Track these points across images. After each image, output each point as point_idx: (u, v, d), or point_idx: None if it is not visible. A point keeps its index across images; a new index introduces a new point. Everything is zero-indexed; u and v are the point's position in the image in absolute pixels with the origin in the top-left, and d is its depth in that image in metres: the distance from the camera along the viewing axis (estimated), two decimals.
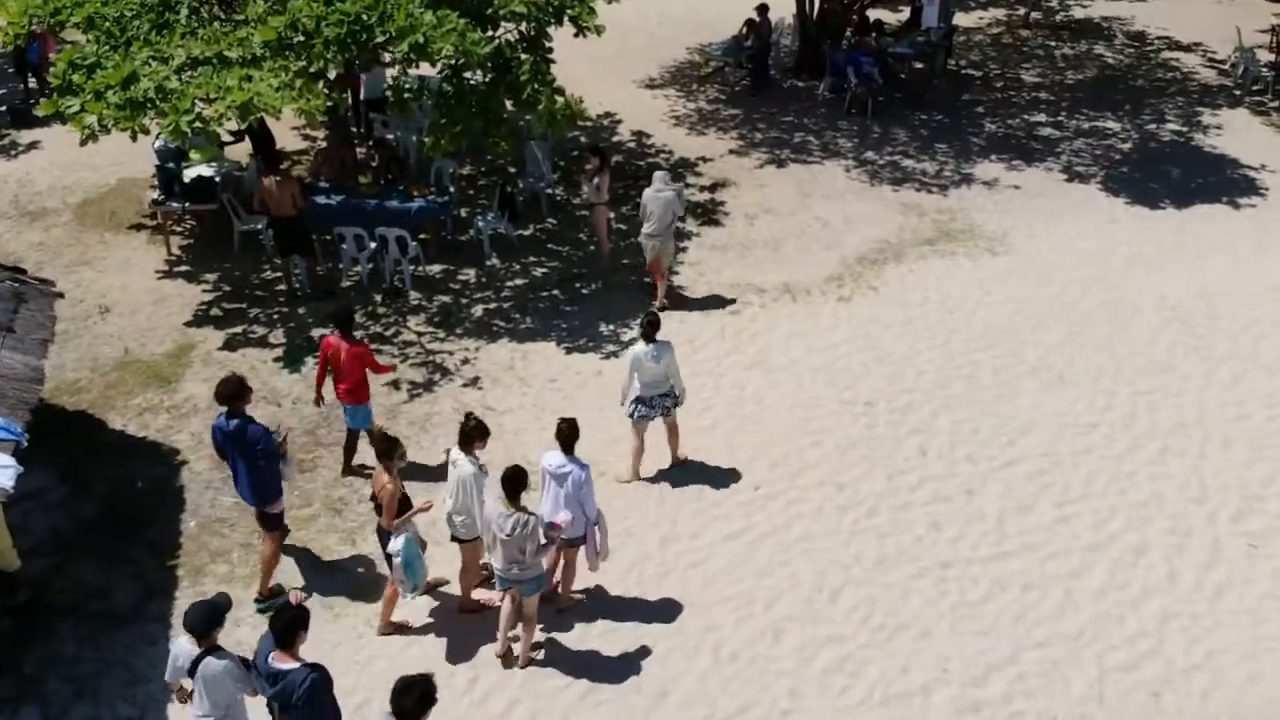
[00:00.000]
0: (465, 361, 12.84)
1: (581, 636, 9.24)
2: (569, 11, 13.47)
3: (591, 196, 14.49)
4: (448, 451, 9.24)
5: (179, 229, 15.61)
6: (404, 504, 8.96)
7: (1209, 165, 18.37)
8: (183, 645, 7.31)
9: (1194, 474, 11.17)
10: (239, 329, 13.39)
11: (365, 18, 11.69)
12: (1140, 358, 13.02)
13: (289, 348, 13.01)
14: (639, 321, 10.92)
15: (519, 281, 14.59)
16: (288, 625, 7.00)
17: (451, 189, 15.70)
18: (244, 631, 9.08)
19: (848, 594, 9.63)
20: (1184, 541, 10.32)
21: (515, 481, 8.37)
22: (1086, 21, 25.56)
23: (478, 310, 13.87)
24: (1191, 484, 11.03)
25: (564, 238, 15.67)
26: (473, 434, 8.99)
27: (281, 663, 6.95)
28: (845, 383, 12.57)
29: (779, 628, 9.28)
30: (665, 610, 9.47)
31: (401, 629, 9.32)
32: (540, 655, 9.07)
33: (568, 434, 8.98)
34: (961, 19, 24.34)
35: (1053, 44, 24.11)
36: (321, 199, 14.57)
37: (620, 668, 8.93)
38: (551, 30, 13.83)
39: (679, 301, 14.11)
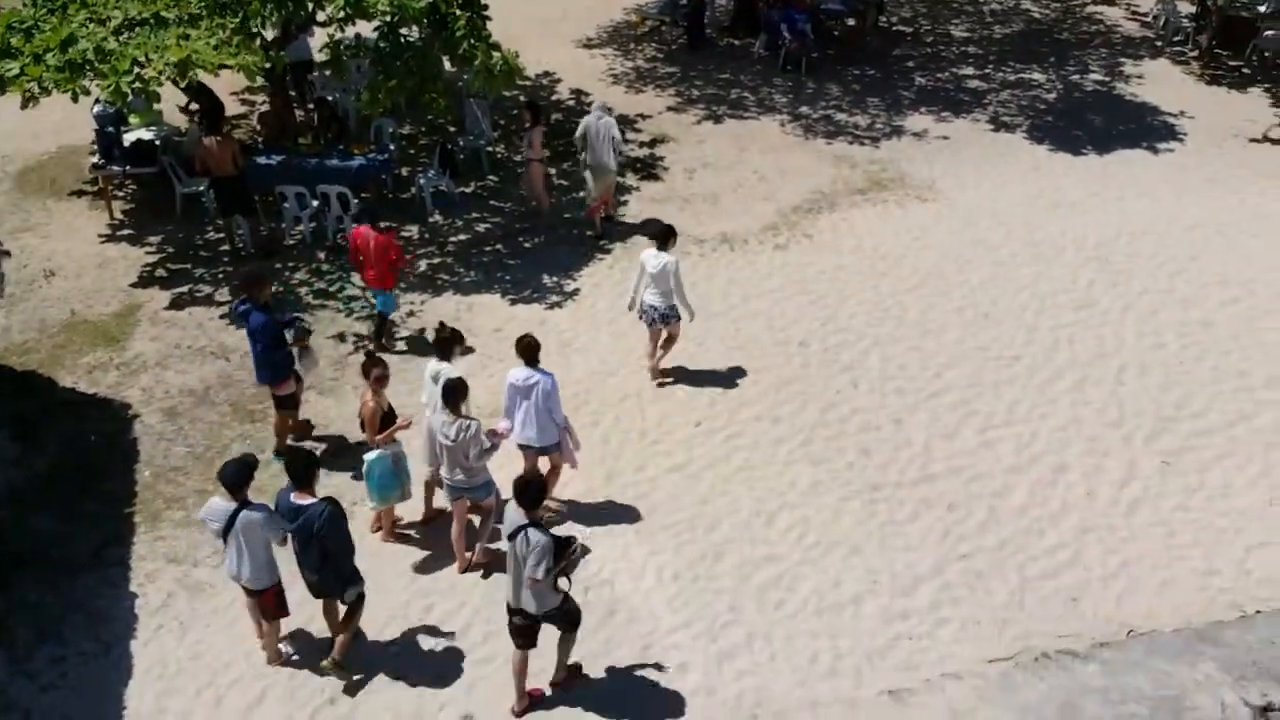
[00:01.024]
0: (411, 314, 13.11)
1: None
2: None
3: (526, 152, 14.80)
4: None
5: (120, 193, 15.69)
6: (388, 421, 9.41)
7: (1130, 113, 19.01)
8: (216, 503, 8.11)
9: (1112, 399, 11.76)
10: (185, 288, 13.54)
11: None
12: (1062, 294, 13.59)
13: (226, 305, 13.20)
14: (653, 232, 11.67)
15: (462, 237, 14.85)
16: (305, 467, 7.98)
17: (391, 147, 15.90)
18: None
19: (783, 517, 10.10)
20: (1101, 462, 10.90)
21: (455, 391, 8.80)
22: None
23: (421, 265, 14.12)
24: (1109, 409, 11.62)
25: (506, 194, 15.93)
26: (451, 341, 9.66)
27: (301, 499, 7.92)
28: (781, 325, 13.02)
29: (719, 550, 9.74)
30: (611, 538, 9.88)
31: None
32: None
33: (531, 346, 9.43)
34: None
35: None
36: (262, 159, 14.72)
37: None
38: None
39: (620, 254, 14.50)
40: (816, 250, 14.69)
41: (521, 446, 9.69)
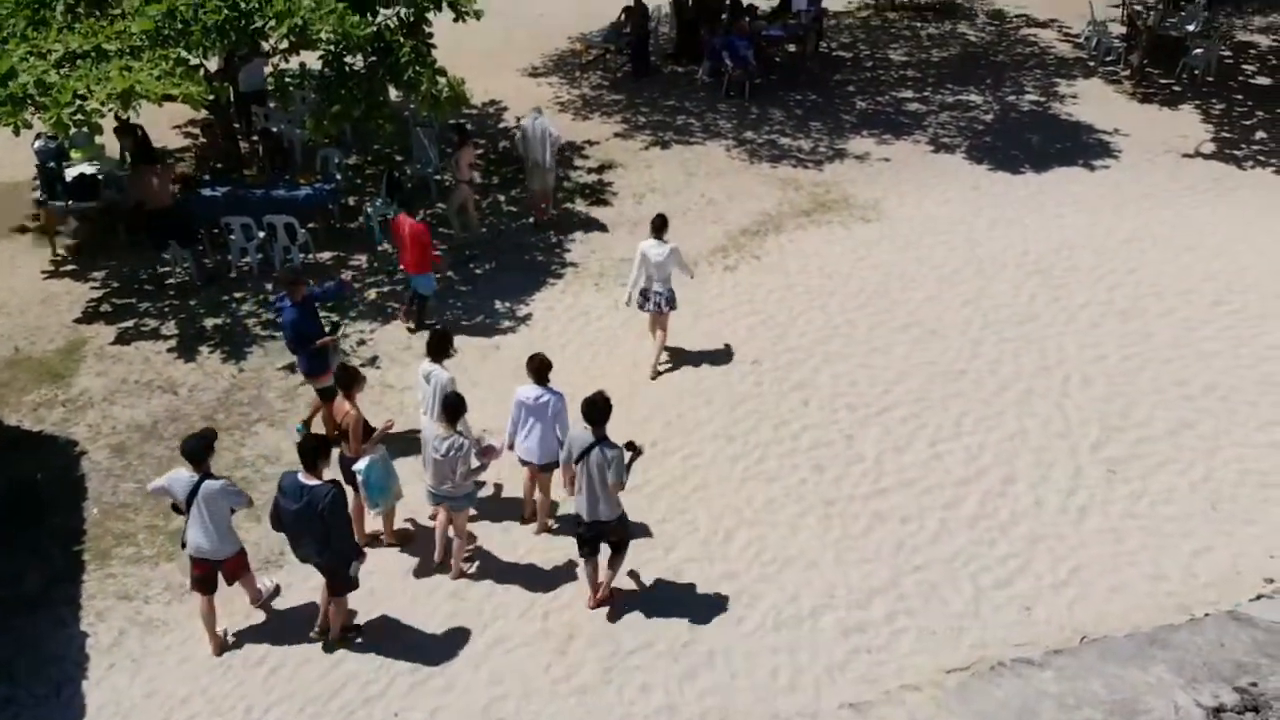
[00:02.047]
0: (361, 343, 13.04)
1: (489, 590, 9.60)
2: None
3: (454, 174, 14.94)
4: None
5: (63, 229, 15.47)
6: (365, 430, 9.52)
7: (1066, 132, 19.45)
8: (180, 474, 8.55)
9: (1057, 410, 11.98)
10: (130, 323, 13.38)
11: (244, 4, 11.82)
12: (1005, 309, 13.85)
13: (182, 337, 13.06)
14: (651, 222, 12.32)
15: None
16: (313, 450, 8.29)
17: (338, 176, 15.86)
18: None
19: (741, 534, 10.17)
20: (1048, 472, 11.08)
21: (455, 406, 8.96)
22: (950, 2, 26.68)
23: (371, 294, 14.06)
24: (1055, 420, 11.83)
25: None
26: (443, 342, 9.89)
27: (308, 480, 8.24)
28: (733, 345, 13.13)
29: (678, 569, 9.78)
30: (569, 561, 9.86)
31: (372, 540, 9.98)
32: (472, 568, 9.78)
33: (543, 365, 9.59)
34: (831, 3, 25.22)
35: (918, 24, 25.16)
36: (207, 191, 14.62)
37: (528, 615, 9.33)
38: (434, 19, 14.11)
39: (571, 280, 14.58)
40: (765, 271, 14.85)
41: (523, 461, 9.87)
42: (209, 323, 13.34)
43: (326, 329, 11.03)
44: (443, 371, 9.79)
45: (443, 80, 12.84)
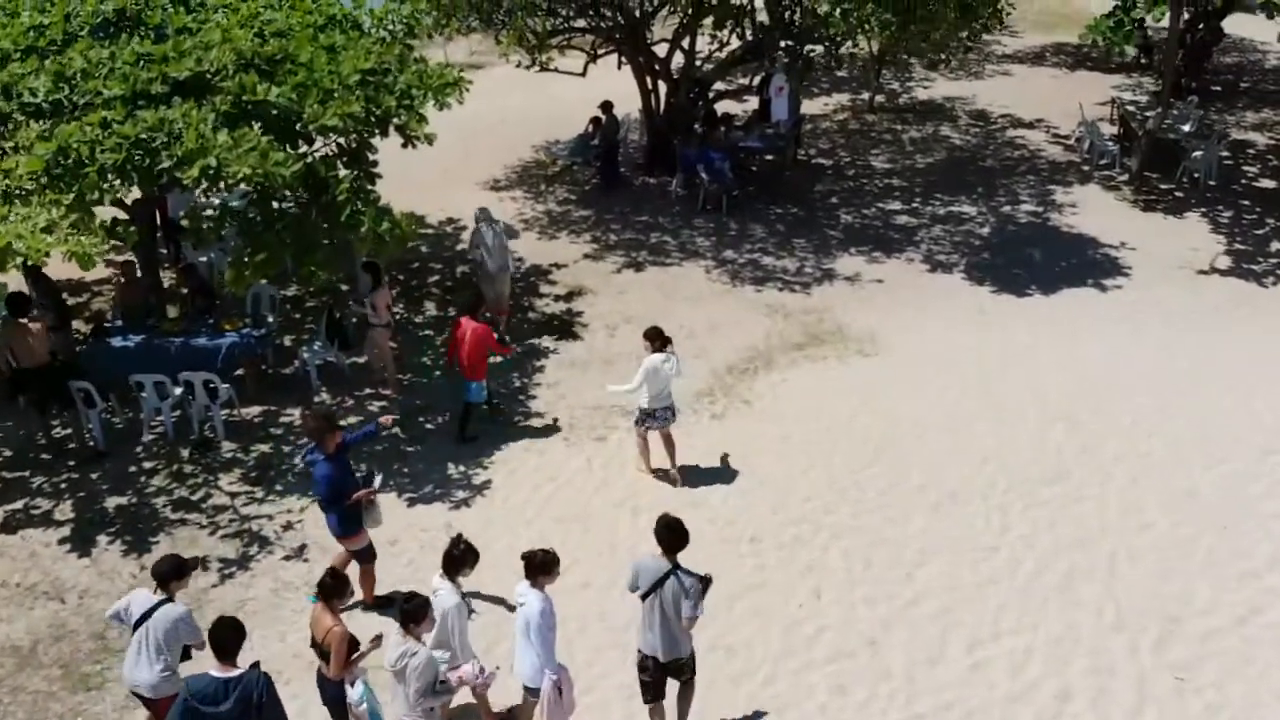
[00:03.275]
0: (288, 527, 11.07)
1: None
2: (395, 121, 12.09)
3: (370, 317, 13.16)
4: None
5: None
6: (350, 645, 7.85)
7: (1070, 246, 18.04)
8: (140, 594, 7.95)
9: (1107, 597, 10.23)
10: (19, 505, 11.40)
11: (149, 140, 10.07)
12: (1032, 465, 12.16)
13: (79, 524, 11.08)
14: (645, 334, 11.63)
15: (353, 419, 12.92)
16: (233, 637, 7.17)
17: (270, 319, 14.06)
18: None
19: None
20: (1108, 683, 9.29)
21: (412, 611, 7.49)
22: (930, 103, 25.50)
23: (297, 462, 12.11)
24: (1106, 610, 10.07)
25: (405, 364, 14.12)
26: (463, 559, 8.20)
27: (227, 672, 7.06)
28: (726, 517, 11.34)
29: None
30: None
31: None
32: None
33: (534, 561, 7.85)
34: (807, 106, 23.90)
35: (899, 127, 23.85)
36: (118, 340, 12.76)
37: None
38: (379, 140, 12.46)
39: (536, 433, 12.81)
40: (757, 419, 13.14)
41: None
42: (111, 502, 11.38)
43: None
44: (450, 594, 8.01)
45: (386, 222, 11.07)
